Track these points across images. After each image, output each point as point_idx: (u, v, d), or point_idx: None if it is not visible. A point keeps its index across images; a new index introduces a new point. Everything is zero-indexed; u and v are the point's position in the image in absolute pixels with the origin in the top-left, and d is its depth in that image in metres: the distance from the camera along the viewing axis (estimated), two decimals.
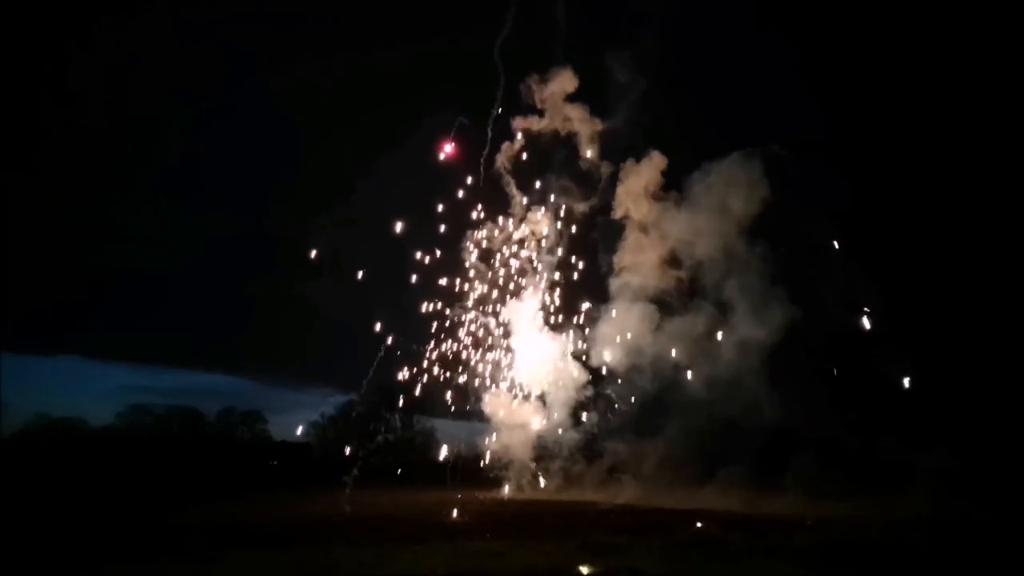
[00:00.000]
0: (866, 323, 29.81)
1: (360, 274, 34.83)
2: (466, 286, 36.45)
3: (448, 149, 34.71)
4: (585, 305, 36.74)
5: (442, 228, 35.54)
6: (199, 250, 57.61)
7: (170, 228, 57.47)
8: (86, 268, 54.72)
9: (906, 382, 29.94)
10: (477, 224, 36.02)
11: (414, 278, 35.40)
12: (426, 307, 35.86)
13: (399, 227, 34.29)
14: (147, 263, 56.67)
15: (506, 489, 37.64)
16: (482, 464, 38.60)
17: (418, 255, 35.10)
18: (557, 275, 36.92)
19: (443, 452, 43.12)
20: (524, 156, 35.52)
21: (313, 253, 35.97)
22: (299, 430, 54.85)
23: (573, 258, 36.72)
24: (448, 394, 37.51)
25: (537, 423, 37.52)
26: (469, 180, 35.33)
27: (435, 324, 36.33)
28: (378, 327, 34.33)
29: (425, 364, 36.54)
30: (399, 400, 41.92)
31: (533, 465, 37.84)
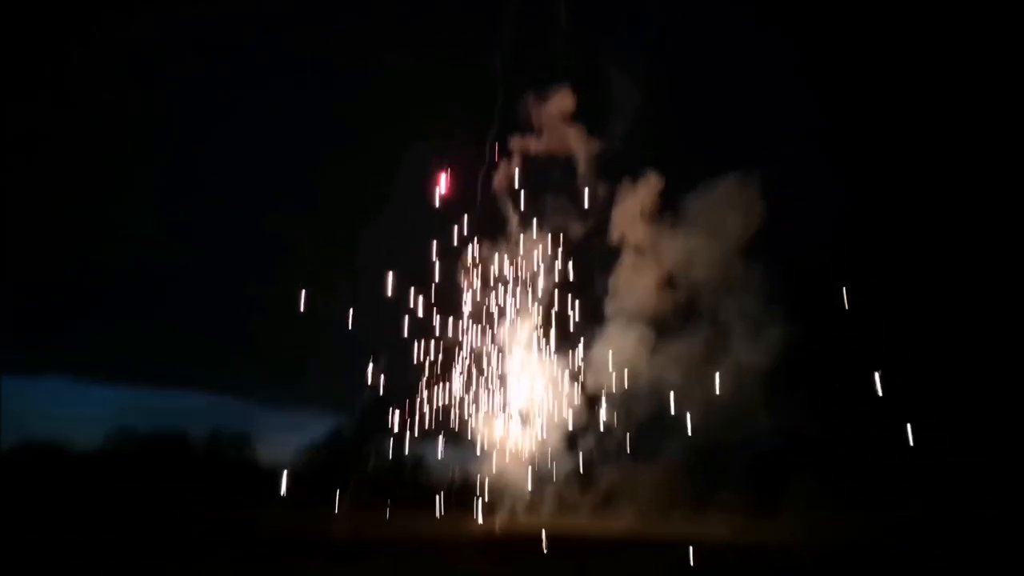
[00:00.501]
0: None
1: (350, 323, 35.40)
2: (463, 308, 36.34)
3: (442, 185, 35.02)
4: (581, 328, 36.45)
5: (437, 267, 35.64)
6: (189, 267, 56.79)
7: (159, 247, 56.63)
8: (75, 287, 53.78)
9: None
10: (473, 264, 36.09)
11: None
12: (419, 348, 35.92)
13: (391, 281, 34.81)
14: (137, 281, 55.69)
15: (499, 515, 37.08)
16: (474, 489, 38.05)
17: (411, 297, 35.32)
18: (553, 297, 36.67)
19: (435, 477, 42.40)
20: (521, 176, 35.46)
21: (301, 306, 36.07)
22: (288, 453, 53.83)
23: (569, 280, 36.50)
24: (440, 420, 37.37)
25: (531, 448, 37.08)
26: (464, 214, 35.56)
27: (428, 359, 36.40)
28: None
29: (418, 394, 36.67)
30: (391, 426, 41.54)
31: (527, 491, 37.28)
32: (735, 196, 32.14)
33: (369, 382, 37.15)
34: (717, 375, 31.72)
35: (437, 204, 35.12)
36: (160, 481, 44.07)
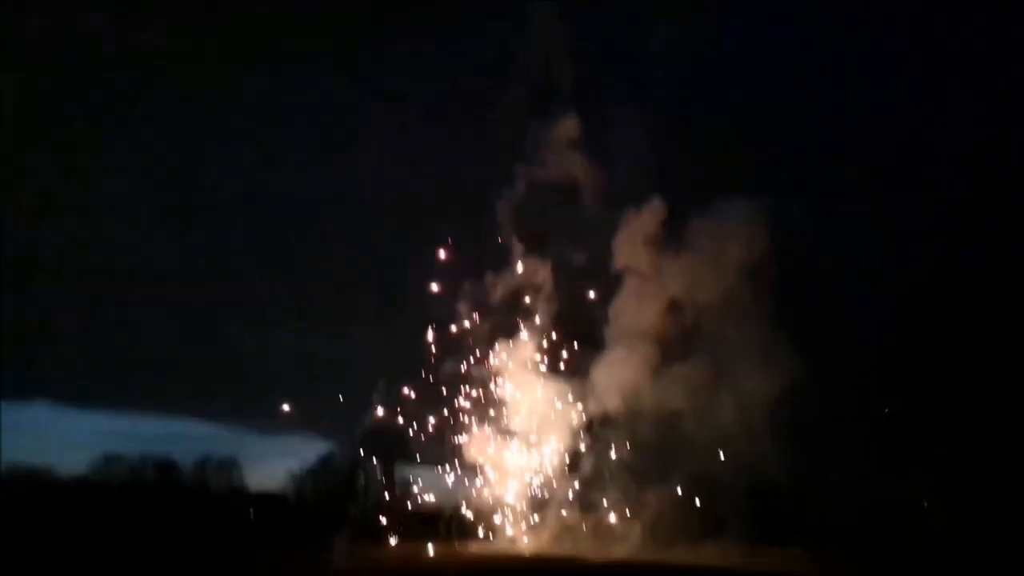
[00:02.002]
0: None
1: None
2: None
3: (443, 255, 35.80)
4: (582, 350, 36.61)
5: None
6: (176, 291, 56.28)
7: (145, 269, 55.98)
8: (57, 311, 52.96)
9: None
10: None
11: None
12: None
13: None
14: (122, 304, 54.95)
15: (494, 542, 36.85)
16: (469, 515, 37.86)
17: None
18: (553, 321, 36.86)
19: (426, 503, 42.04)
20: (523, 204, 35.80)
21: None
22: (277, 480, 53.09)
23: (570, 305, 36.72)
24: (433, 443, 37.33)
25: (529, 471, 37.01)
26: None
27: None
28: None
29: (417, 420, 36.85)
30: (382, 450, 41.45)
31: (524, 516, 37.11)
32: (740, 219, 32.47)
33: (367, 409, 37.23)
34: (722, 398, 31.83)
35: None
36: (148, 508, 43.38)
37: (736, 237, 32.21)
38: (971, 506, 29.46)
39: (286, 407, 37.19)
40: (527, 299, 36.83)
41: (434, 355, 36.61)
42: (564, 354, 37.04)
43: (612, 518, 34.78)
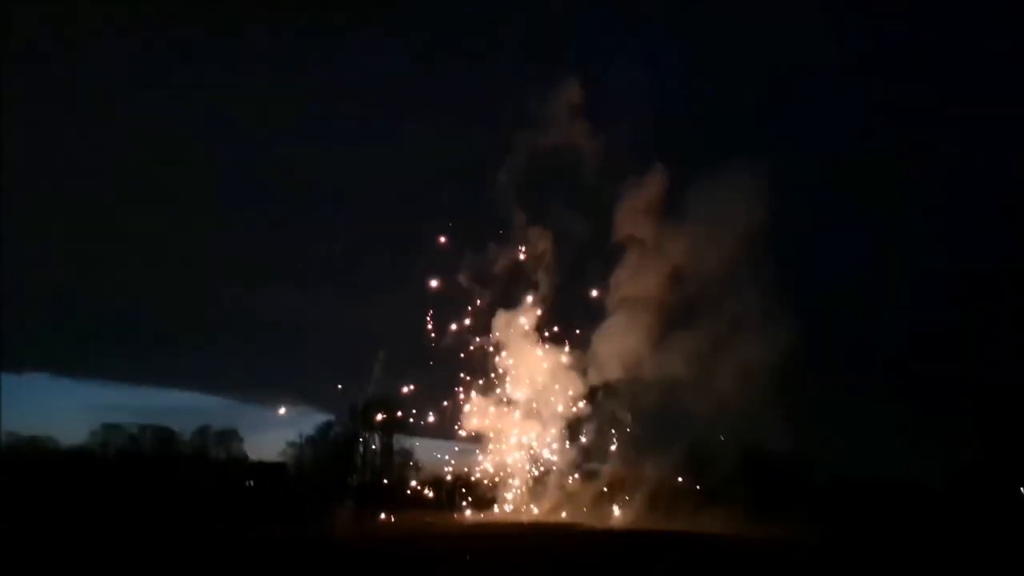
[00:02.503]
0: None
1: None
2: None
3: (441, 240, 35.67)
4: (584, 320, 36.50)
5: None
6: (174, 263, 56.09)
7: (142, 242, 55.76)
8: (55, 284, 52.79)
9: None
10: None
11: None
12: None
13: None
14: (120, 278, 54.76)
15: (495, 510, 36.99)
16: (470, 485, 37.94)
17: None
18: (556, 291, 36.68)
19: (426, 473, 42.22)
20: (525, 172, 35.35)
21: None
22: (275, 450, 53.29)
23: (572, 274, 36.50)
24: (434, 414, 37.31)
25: (531, 440, 37.06)
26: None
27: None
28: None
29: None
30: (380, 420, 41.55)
31: (525, 485, 37.21)
32: (741, 187, 32.04)
33: (367, 379, 37.21)
34: (721, 368, 31.68)
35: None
36: (147, 476, 43.45)
37: (737, 205, 31.86)
38: (969, 476, 29.56)
39: (283, 410, 39.95)
40: (528, 269, 36.73)
41: (434, 329, 36.47)
42: (565, 324, 37.08)
43: (611, 487, 34.88)
